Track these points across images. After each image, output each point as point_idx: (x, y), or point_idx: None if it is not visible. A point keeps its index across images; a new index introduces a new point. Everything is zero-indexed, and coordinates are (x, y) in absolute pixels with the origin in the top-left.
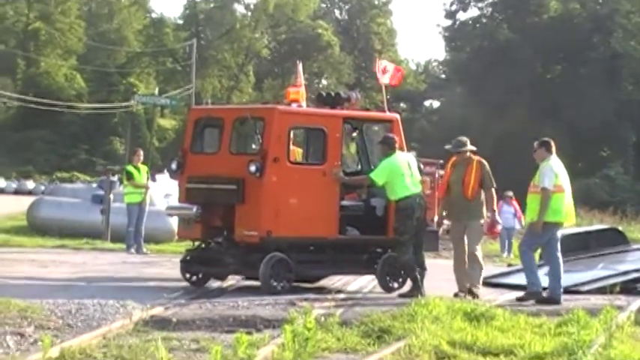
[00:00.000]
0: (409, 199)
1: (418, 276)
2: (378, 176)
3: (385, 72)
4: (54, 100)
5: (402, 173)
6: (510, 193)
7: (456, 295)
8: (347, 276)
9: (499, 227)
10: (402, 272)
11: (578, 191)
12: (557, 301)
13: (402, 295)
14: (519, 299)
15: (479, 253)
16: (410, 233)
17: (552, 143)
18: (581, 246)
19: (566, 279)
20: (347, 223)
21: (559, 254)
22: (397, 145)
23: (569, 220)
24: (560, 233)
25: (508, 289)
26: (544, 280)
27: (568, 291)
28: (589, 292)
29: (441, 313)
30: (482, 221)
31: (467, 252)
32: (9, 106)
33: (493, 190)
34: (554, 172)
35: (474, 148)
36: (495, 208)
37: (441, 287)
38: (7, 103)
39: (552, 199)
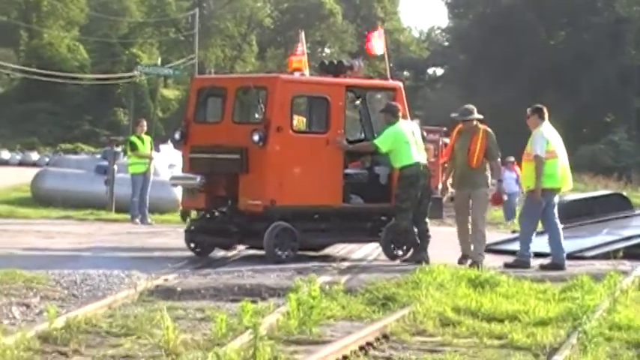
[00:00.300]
0: (413, 167)
1: (418, 241)
2: (382, 143)
3: (371, 41)
4: (57, 72)
5: (407, 141)
6: (512, 159)
7: (460, 262)
8: (351, 244)
9: (505, 197)
10: (402, 238)
11: (583, 157)
12: (561, 267)
13: (405, 261)
14: (507, 265)
15: (483, 224)
16: (412, 201)
17: (545, 110)
18: (586, 211)
19: (571, 245)
20: (351, 192)
21: (557, 220)
22: (401, 113)
23: (566, 185)
24: (557, 198)
25: (512, 255)
26: (547, 247)
27: (572, 256)
28: (593, 257)
29: (445, 280)
30: (487, 190)
31: (471, 221)
32: (12, 77)
33: (499, 160)
34: (545, 138)
35: (480, 117)
36: (502, 178)
37: (445, 255)
38: (11, 74)
39: (546, 165)
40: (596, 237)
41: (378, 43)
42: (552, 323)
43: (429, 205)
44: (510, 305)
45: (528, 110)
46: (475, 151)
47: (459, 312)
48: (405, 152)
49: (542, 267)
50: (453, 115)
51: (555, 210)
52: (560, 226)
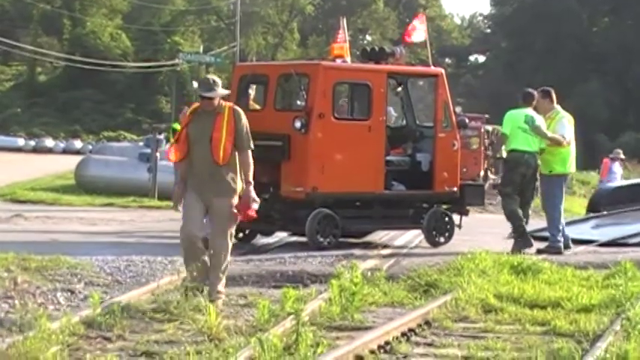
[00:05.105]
0: (516, 154)
1: (525, 228)
2: (503, 127)
3: (414, 29)
4: (100, 60)
5: (519, 126)
6: (620, 153)
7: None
8: (393, 231)
9: (255, 207)
10: (510, 223)
11: (627, 144)
12: (559, 251)
13: (514, 251)
14: (540, 251)
15: (229, 247)
16: (513, 186)
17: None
18: (630, 198)
19: (615, 231)
20: (393, 178)
21: (562, 206)
22: (533, 101)
23: (572, 169)
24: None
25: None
26: (592, 234)
27: (616, 243)
28: (637, 244)
29: (487, 266)
30: (234, 199)
31: (212, 246)
32: (56, 66)
33: (250, 152)
34: (570, 124)
35: (226, 93)
36: (251, 179)
37: (487, 241)
38: (54, 63)
39: (564, 150)
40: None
41: (418, 31)
42: (595, 310)
43: (532, 197)
44: (553, 292)
45: (537, 94)
46: (220, 140)
47: (501, 299)
48: (513, 137)
49: (540, 251)
50: (195, 85)
51: (563, 195)
52: (562, 212)
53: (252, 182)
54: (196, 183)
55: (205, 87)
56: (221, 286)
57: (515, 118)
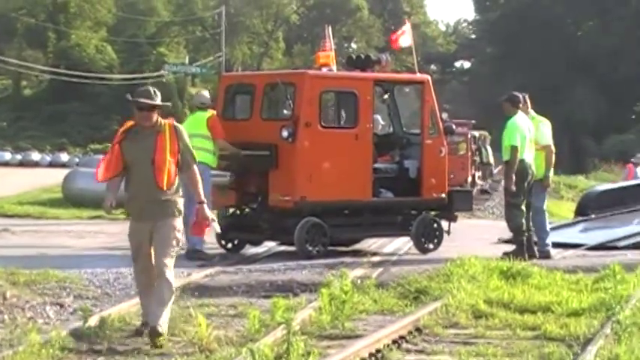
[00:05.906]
0: (523, 163)
1: (524, 241)
2: (511, 140)
3: (402, 34)
4: (85, 72)
5: (524, 136)
6: None
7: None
8: (382, 238)
9: (215, 226)
10: (513, 237)
11: (613, 147)
12: (548, 255)
13: (505, 254)
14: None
15: (171, 273)
16: (523, 197)
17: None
18: (617, 201)
19: (603, 235)
20: (380, 186)
21: (545, 209)
22: (519, 103)
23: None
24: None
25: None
26: (580, 238)
27: (604, 247)
28: (625, 247)
29: (477, 272)
30: (178, 221)
31: (156, 270)
32: (41, 79)
33: (196, 167)
34: (549, 128)
35: (167, 104)
36: (204, 198)
37: (476, 247)
38: (39, 76)
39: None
40: (628, 227)
41: (405, 37)
42: (585, 314)
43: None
44: (543, 296)
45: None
46: (164, 162)
47: (491, 304)
48: (521, 148)
49: (530, 256)
50: (129, 97)
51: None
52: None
53: (205, 200)
54: (137, 208)
55: (144, 95)
56: (165, 320)
57: (521, 128)
